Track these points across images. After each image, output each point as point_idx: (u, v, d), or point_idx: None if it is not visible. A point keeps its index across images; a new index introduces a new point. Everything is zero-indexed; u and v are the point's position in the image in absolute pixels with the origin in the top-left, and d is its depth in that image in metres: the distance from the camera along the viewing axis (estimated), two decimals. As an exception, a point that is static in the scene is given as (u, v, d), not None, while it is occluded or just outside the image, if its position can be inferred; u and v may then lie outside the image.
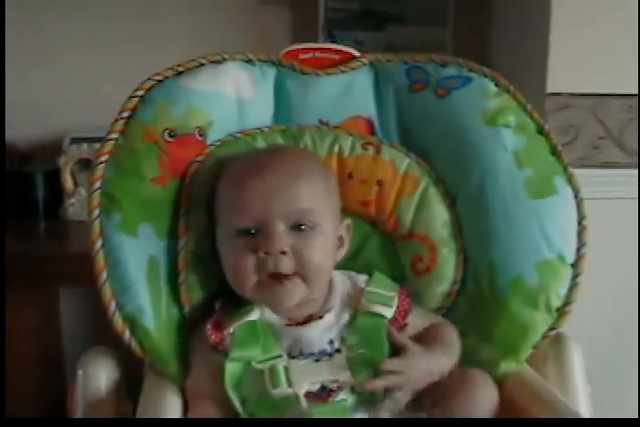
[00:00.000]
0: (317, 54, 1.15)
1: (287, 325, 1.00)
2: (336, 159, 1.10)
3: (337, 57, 1.15)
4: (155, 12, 2.00)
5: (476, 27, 1.98)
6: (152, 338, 1.00)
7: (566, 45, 1.52)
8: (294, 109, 1.14)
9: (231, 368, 0.96)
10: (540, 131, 1.12)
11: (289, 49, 1.15)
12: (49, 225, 1.90)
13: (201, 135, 1.07)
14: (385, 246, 1.13)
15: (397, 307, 1.03)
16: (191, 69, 1.10)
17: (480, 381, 0.97)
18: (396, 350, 0.98)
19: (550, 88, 1.54)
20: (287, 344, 0.98)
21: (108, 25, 1.98)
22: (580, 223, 1.08)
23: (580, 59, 1.53)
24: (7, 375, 1.72)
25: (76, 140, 1.85)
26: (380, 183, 1.10)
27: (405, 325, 1.02)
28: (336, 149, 1.10)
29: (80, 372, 1.03)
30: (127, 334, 1.00)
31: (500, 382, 1.00)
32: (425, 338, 1.03)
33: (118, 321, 1.00)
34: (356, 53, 1.16)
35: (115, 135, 1.05)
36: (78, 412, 1.02)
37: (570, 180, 1.09)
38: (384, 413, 0.95)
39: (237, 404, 0.95)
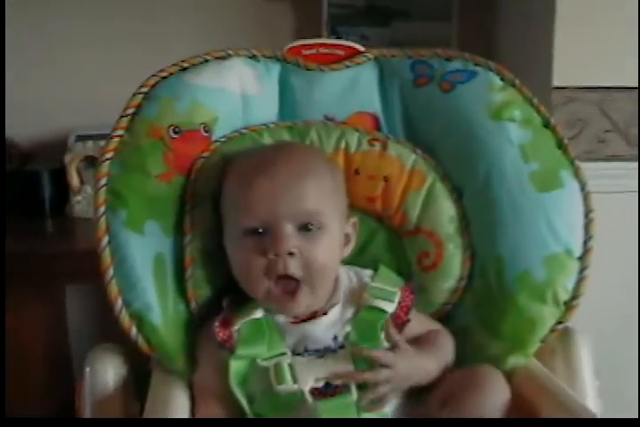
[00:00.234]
0: (321, 50, 1.15)
1: (292, 322, 1.00)
2: (343, 155, 1.10)
3: (341, 52, 1.15)
4: (158, 9, 2.00)
5: (481, 22, 1.98)
6: (159, 334, 1.01)
7: (571, 39, 1.52)
8: (299, 105, 1.14)
9: (236, 365, 0.96)
10: (546, 124, 1.11)
11: (293, 45, 1.15)
12: (55, 223, 1.90)
13: (206, 131, 1.07)
14: (391, 242, 1.13)
15: (399, 302, 1.02)
16: (196, 65, 1.10)
17: (491, 377, 0.97)
18: (390, 348, 0.98)
19: (556, 82, 1.54)
20: (292, 341, 0.99)
21: (111, 22, 1.99)
22: (586, 216, 1.07)
23: (585, 52, 1.52)
24: (14, 373, 1.73)
25: (82, 138, 1.85)
26: (386, 179, 1.10)
27: (408, 320, 1.02)
28: (342, 144, 1.10)
29: (87, 369, 1.03)
30: (134, 330, 1.01)
31: (509, 377, 1.00)
32: (418, 341, 1.02)
33: (125, 318, 1.00)
34: (361, 48, 1.16)
35: (120, 132, 1.05)
36: (86, 409, 1.02)
37: (576, 173, 1.09)
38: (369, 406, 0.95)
39: (243, 401, 0.96)
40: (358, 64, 1.15)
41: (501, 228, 1.07)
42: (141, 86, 1.07)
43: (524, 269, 1.05)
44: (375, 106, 1.14)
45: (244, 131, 1.10)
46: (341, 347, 0.98)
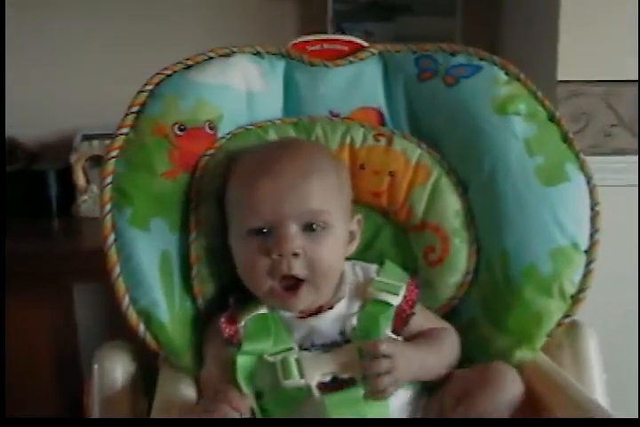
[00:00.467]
0: (325, 46, 1.15)
1: (298, 317, 1.00)
2: (348, 150, 1.10)
3: (345, 48, 1.15)
4: (162, 8, 2.00)
5: (486, 16, 1.97)
6: (167, 331, 1.01)
7: (576, 33, 1.51)
8: (304, 101, 1.14)
9: (243, 361, 0.97)
10: (551, 118, 1.11)
11: (297, 41, 1.15)
12: (62, 222, 1.91)
13: (211, 129, 1.07)
14: (397, 237, 1.13)
15: (405, 296, 1.02)
16: (200, 63, 1.10)
17: (505, 373, 0.96)
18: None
19: (561, 75, 1.53)
20: (299, 336, 0.99)
21: (115, 21, 1.99)
22: (592, 210, 1.07)
23: (590, 46, 1.51)
24: (23, 372, 1.73)
25: (87, 138, 1.86)
26: (391, 174, 1.10)
27: (412, 314, 1.02)
28: (348, 140, 1.10)
29: (96, 366, 1.04)
30: (142, 327, 1.01)
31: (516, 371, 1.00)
32: (421, 337, 1.02)
33: (132, 315, 1.01)
34: (365, 44, 1.16)
35: (125, 130, 1.05)
36: (95, 406, 1.03)
37: (582, 166, 1.08)
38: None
39: (250, 396, 0.95)
40: (362, 59, 1.14)
41: (507, 222, 1.06)
42: (146, 84, 1.07)
43: (530, 262, 1.05)
44: (380, 101, 1.14)
45: (249, 127, 1.10)
46: (348, 341, 0.98)
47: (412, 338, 1.02)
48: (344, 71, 1.13)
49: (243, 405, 0.89)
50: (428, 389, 1.01)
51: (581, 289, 1.05)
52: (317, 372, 0.95)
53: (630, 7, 1.51)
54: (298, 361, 0.95)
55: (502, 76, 1.11)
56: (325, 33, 1.92)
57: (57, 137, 1.99)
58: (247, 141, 1.08)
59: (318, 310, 1.00)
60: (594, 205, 1.07)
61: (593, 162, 1.10)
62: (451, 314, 1.10)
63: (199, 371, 1.01)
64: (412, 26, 1.95)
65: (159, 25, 2.00)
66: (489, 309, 1.08)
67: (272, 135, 1.10)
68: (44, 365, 1.80)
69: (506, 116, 1.08)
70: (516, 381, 0.96)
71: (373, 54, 1.15)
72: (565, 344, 1.07)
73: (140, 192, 1.02)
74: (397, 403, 0.97)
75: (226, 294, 1.04)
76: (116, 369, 1.04)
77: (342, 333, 0.98)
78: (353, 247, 1.05)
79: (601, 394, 1.03)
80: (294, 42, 1.15)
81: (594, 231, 1.06)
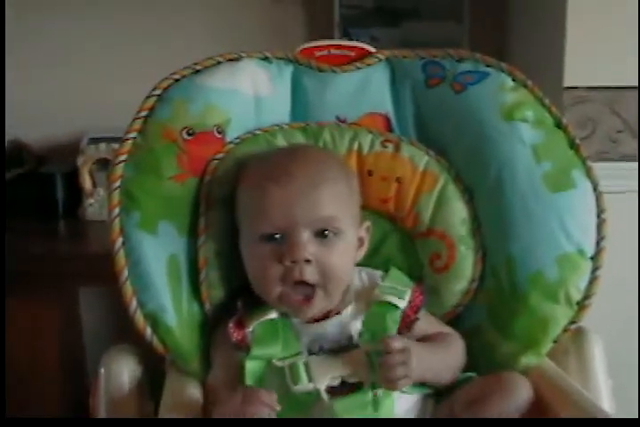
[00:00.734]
0: (333, 51, 1.16)
1: (306, 322, 1.01)
2: (355, 157, 1.10)
3: (352, 53, 1.16)
4: (170, 12, 2.01)
5: (492, 22, 1.98)
6: (174, 335, 1.01)
7: (582, 39, 1.52)
8: (311, 106, 1.14)
9: (252, 366, 0.97)
10: (558, 125, 1.11)
11: (305, 46, 1.16)
12: (68, 225, 1.92)
13: (219, 133, 1.07)
14: (404, 244, 1.13)
15: (410, 302, 1.03)
16: (208, 68, 1.10)
17: (517, 382, 0.96)
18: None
19: (567, 82, 1.53)
20: (307, 341, 0.99)
21: (124, 25, 2.00)
22: (599, 216, 1.07)
23: (596, 52, 1.52)
24: (29, 374, 1.74)
25: (94, 141, 1.87)
26: (399, 180, 1.10)
27: (417, 319, 1.02)
28: (355, 146, 1.10)
29: (102, 369, 1.04)
30: (149, 331, 1.01)
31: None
32: (426, 341, 1.02)
33: (140, 319, 1.01)
34: (372, 49, 1.16)
35: (133, 134, 1.05)
36: (101, 409, 1.03)
37: (588, 173, 1.08)
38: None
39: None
40: (370, 65, 1.15)
41: (513, 228, 1.07)
42: (154, 89, 1.08)
43: (536, 269, 1.05)
44: (387, 107, 1.15)
45: (257, 132, 1.10)
46: (356, 346, 0.98)
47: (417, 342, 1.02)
48: (351, 77, 1.14)
49: (274, 401, 0.89)
50: (434, 394, 1.01)
51: (587, 296, 1.05)
52: (326, 376, 0.95)
53: (636, 14, 1.51)
54: (306, 366, 0.96)
55: (509, 82, 1.12)
56: (332, 38, 1.92)
57: (64, 140, 1.99)
58: (256, 146, 1.08)
59: (326, 315, 1.00)
60: (600, 211, 1.07)
61: (600, 168, 1.10)
62: (456, 320, 1.10)
63: (206, 375, 1.02)
64: (418, 31, 1.96)
65: (165, 29, 2.01)
66: (495, 315, 1.08)
67: (280, 140, 1.10)
68: (48, 367, 1.81)
69: (513, 123, 1.09)
70: (526, 387, 0.96)
71: (381, 60, 1.15)
72: (571, 350, 1.07)
73: (148, 196, 1.03)
74: (404, 407, 0.97)
75: (234, 298, 1.04)
76: (123, 373, 1.04)
77: (350, 337, 0.99)
78: (361, 253, 1.06)
79: (606, 400, 1.03)
80: (302, 47, 1.15)
81: (600, 238, 1.06)
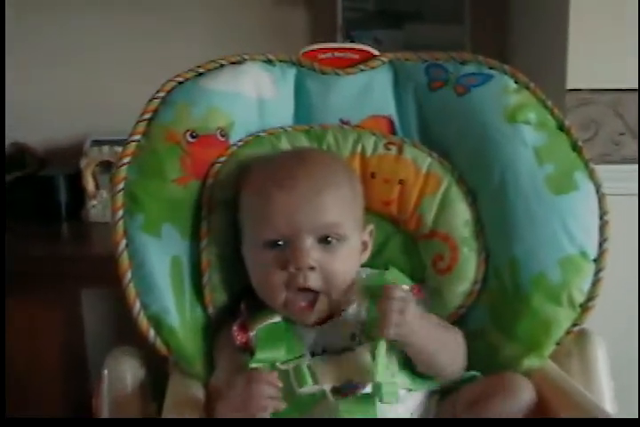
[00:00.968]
0: (336, 54, 1.16)
1: (309, 325, 1.01)
2: (359, 159, 1.10)
3: (356, 56, 1.16)
4: (174, 15, 2.01)
5: (494, 24, 1.98)
6: (177, 337, 1.01)
7: (585, 41, 1.52)
8: (314, 109, 1.14)
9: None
10: (561, 127, 1.11)
11: (308, 49, 1.16)
12: (71, 227, 1.92)
13: (223, 136, 1.07)
14: (406, 245, 1.13)
15: None
16: (211, 70, 1.10)
17: (519, 383, 0.97)
18: None
19: (570, 84, 1.53)
20: (310, 343, 0.99)
21: (126, 27, 2.00)
22: (601, 218, 1.07)
23: (599, 54, 1.52)
24: (31, 376, 1.74)
25: (97, 143, 1.87)
26: (402, 183, 1.10)
27: None
28: (359, 148, 1.10)
29: (105, 371, 1.04)
30: (152, 333, 1.02)
31: (525, 379, 1.00)
32: None
33: (143, 321, 1.01)
34: (375, 52, 1.16)
35: (136, 137, 1.06)
36: (104, 411, 1.03)
37: (591, 175, 1.09)
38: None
39: None
40: (373, 68, 1.15)
41: (516, 230, 1.07)
42: (158, 91, 1.08)
43: (539, 271, 1.05)
44: (390, 110, 1.15)
45: (261, 134, 1.10)
46: (360, 344, 0.98)
47: None
48: (355, 79, 1.14)
49: (276, 379, 0.90)
50: (438, 394, 1.01)
51: (590, 298, 1.05)
52: (331, 377, 0.95)
53: (638, 16, 1.51)
54: (310, 368, 0.96)
55: (512, 84, 1.12)
56: (334, 41, 1.93)
57: (66, 142, 2.00)
58: (260, 149, 1.09)
59: (329, 317, 1.01)
60: (603, 213, 1.08)
61: (602, 170, 1.10)
62: (459, 322, 1.10)
63: (209, 377, 1.02)
64: (420, 33, 1.96)
65: (167, 32, 2.02)
66: (497, 317, 1.08)
67: (284, 143, 1.10)
68: (50, 369, 1.81)
69: (516, 125, 1.09)
70: (529, 389, 0.96)
71: (384, 63, 1.15)
72: (574, 353, 1.07)
73: (152, 198, 1.03)
74: (409, 404, 0.97)
75: (236, 300, 1.05)
76: (126, 375, 1.04)
77: (352, 337, 0.99)
78: (365, 257, 1.06)
79: (609, 402, 1.03)
80: (305, 50, 1.15)
81: (603, 240, 1.07)
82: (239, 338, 0.99)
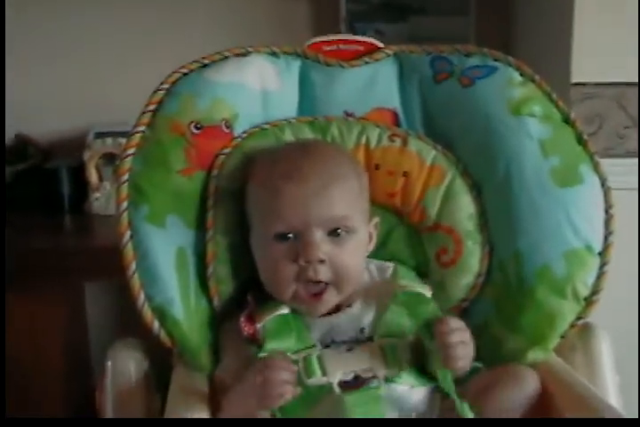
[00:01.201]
0: (341, 46, 1.16)
1: (318, 316, 1.01)
2: (363, 151, 1.11)
3: (361, 48, 1.16)
4: (176, 8, 2.01)
5: (499, 17, 1.98)
6: (182, 329, 1.01)
7: (590, 35, 1.51)
8: (319, 101, 1.14)
9: None
10: (566, 120, 1.11)
11: (313, 41, 1.15)
12: (74, 220, 1.92)
13: (227, 127, 1.07)
14: (410, 238, 1.13)
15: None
16: (216, 62, 1.10)
17: (524, 373, 0.97)
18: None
19: (574, 78, 1.53)
20: (319, 334, 0.99)
21: (129, 19, 2.00)
22: (607, 212, 1.07)
23: (603, 48, 1.52)
24: (33, 370, 1.74)
25: (100, 135, 1.86)
26: (406, 175, 1.10)
27: None
28: (363, 140, 1.10)
29: (109, 363, 1.04)
30: (156, 325, 1.01)
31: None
32: None
33: (147, 312, 1.01)
34: (380, 45, 1.16)
35: (141, 128, 1.05)
36: (108, 403, 1.03)
37: (596, 168, 1.08)
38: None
39: None
40: (378, 60, 1.15)
41: (520, 223, 1.07)
42: (162, 83, 1.08)
43: (543, 263, 1.05)
44: (395, 102, 1.14)
45: (265, 126, 1.10)
46: (370, 339, 0.98)
47: None
48: (359, 72, 1.14)
49: (291, 364, 0.91)
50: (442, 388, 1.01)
51: (595, 291, 1.05)
52: (339, 370, 0.95)
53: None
54: (320, 359, 0.96)
55: (517, 77, 1.12)
56: (338, 33, 1.92)
57: (70, 134, 1.99)
58: (264, 141, 1.08)
59: (337, 309, 1.01)
60: (608, 207, 1.07)
61: (606, 164, 1.10)
62: (463, 315, 1.10)
63: (215, 369, 1.02)
64: (424, 26, 1.96)
65: (170, 23, 2.01)
66: (501, 310, 1.08)
67: (288, 134, 1.10)
68: (53, 361, 1.81)
69: (521, 118, 1.09)
70: (534, 378, 0.96)
71: (389, 55, 1.15)
72: (578, 346, 1.07)
73: (157, 189, 1.03)
74: (414, 400, 0.97)
75: (242, 291, 1.05)
76: (130, 367, 1.04)
77: (361, 330, 0.99)
78: (370, 249, 1.06)
79: (613, 396, 1.03)
80: (310, 42, 1.15)
81: (608, 234, 1.06)
82: (246, 329, 0.99)
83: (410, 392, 0.96)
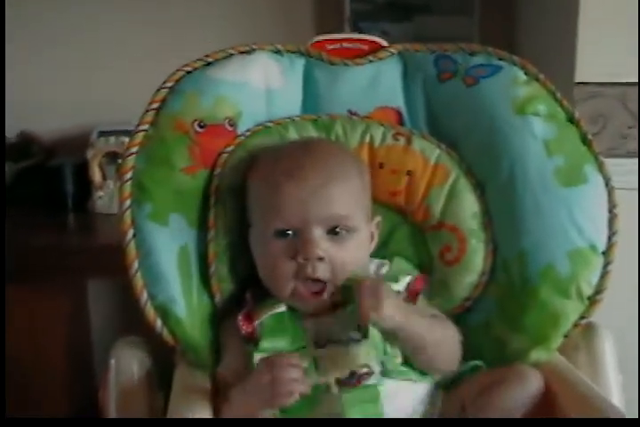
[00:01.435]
0: (345, 45, 1.15)
1: (313, 314, 1.01)
2: (367, 149, 1.10)
3: (365, 47, 1.15)
4: (179, 9, 2.01)
5: (503, 16, 1.98)
6: (184, 327, 1.01)
7: (594, 34, 1.51)
8: (322, 100, 1.14)
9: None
10: (571, 119, 1.11)
11: (316, 39, 1.15)
12: (77, 218, 1.92)
13: (231, 125, 1.07)
14: (414, 236, 1.13)
15: (408, 286, 1.03)
16: (220, 60, 1.10)
17: (527, 372, 0.97)
18: None
19: (578, 77, 1.53)
20: (314, 333, 0.99)
21: (133, 17, 2.00)
22: (610, 211, 1.07)
23: (608, 47, 1.51)
24: (36, 368, 1.74)
25: (104, 134, 1.87)
26: (409, 174, 1.10)
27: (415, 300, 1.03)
28: (367, 138, 1.10)
29: (112, 361, 1.04)
30: (159, 323, 1.01)
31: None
32: None
33: (150, 311, 1.01)
34: (384, 43, 1.16)
35: (145, 126, 1.05)
36: (111, 400, 1.03)
37: (600, 168, 1.08)
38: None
39: None
40: (382, 59, 1.14)
41: (524, 223, 1.06)
42: (166, 81, 1.08)
43: (547, 263, 1.05)
44: (398, 101, 1.14)
45: (268, 124, 1.10)
46: (365, 336, 0.97)
47: None
48: (363, 70, 1.13)
49: (297, 360, 0.91)
50: (444, 385, 1.01)
51: (598, 291, 1.05)
52: (335, 369, 0.95)
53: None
54: (315, 359, 0.96)
55: (522, 76, 1.11)
56: (342, 32, 1.92)
57: (74, 133, 2.00)
58: (267, 139, 1.08)
59: (334, 308, 1.00)
60: (612, 207, 1.07)
61: (611, 164, 1.10)
62: (466, 315, 1.10)
63: (216, 366, 1.02)
64: (429, 26, 1.96)
65: (173, 22, 2.01)
66: (505, 309, 1.07)
67: (292, 132, 1.10)
68: (54, 360, 1.82)
69: (525, 117, 1.08)
70: (538, 378, 0.96)
71: (393, 54, 1.15)
72: (581, 346, 1.07)
73: (160, 187, 1.03)
74: (414, 398, 0.97)
75: (243, 289, 1.05)
76: (133, 364, 1.04)
77: (359, 328, 0.98)
78: (371, 248, 1.06)
79: (616, 395, 1.03)
80: (314, 40, 1.15)
81: (612, 233, 1.06)
82: (244, 328, 0.99)
83: (409, 388, 0.97)
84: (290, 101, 1.13)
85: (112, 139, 1.85)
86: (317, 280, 0.98)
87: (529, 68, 1.11)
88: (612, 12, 1.52)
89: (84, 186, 1.90)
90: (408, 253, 1.13)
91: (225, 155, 1.07)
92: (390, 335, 0.95)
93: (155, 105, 1.06)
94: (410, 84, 1.15)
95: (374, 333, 0.94)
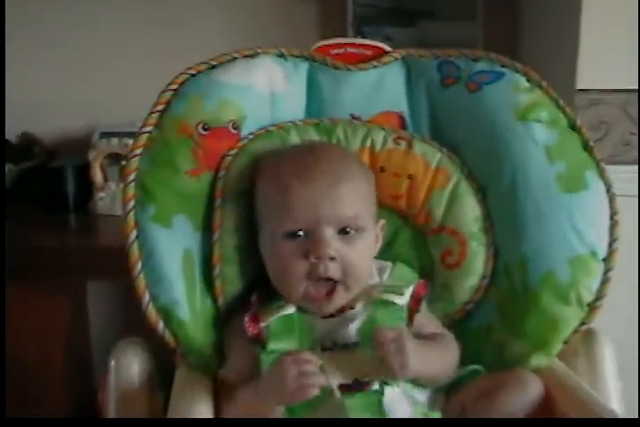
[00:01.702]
0: (349, 49, 1.16)
1: (321, 317, 1.01)
2: (368, 153, 1.11)
3: (368, 52, 1.16)
4: (183, 10, 2.01)
5: (506, 22, 1.98)
6: (186, 329, 1.01)
7: (596, 41, 1.51)
8: (326, 104, 1.14)
9: (268, 361, 0.96)
10: (572, 126, 1.11)
11: (320, 44, 1.16)
12: (79, 219, 1.92)
13: (235, 128, 1.08)
14: (415, 240, 1.14)
15: (412, 294, 1.03)
16: (224, 63, 1.10)
17: (527, 377, 0.98)
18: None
19: (580, 84, 1.53)
20: (321, 336, 0.99)
21: (133, 17, 2.00)
22: (612, 218, 1.07)
23: (609, 54, 1.52)
24: (36, 369, 1.74)
25: (106, 135, 1.87)
26: (411, 177, 1.10)
27: (418, 311, 1.03)
28: (368, 142, 1.11)
29: (112, 362, 1.04)
30: (161, 325, 1.01)
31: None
32: (423, 339, 1.01)
33: (152, 312, 1.01)
34: (388, 48, 1.16)
35: (149, 129, 1.05)
36: (111, 401, 1.03)
37: (602, 175, 1.09)
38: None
39: None
40: (385, 64, 1.15)
41: (526, 228, 1.07)
42: (170, 84, 1.08)
43: (547, 269, 1.05)
44: (402, 106, 1.15)
45: (270, 128, 1.11)
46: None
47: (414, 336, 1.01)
48: (367, 75, 1.14)
49: (312, 356, 0.91)
50: (444, 391, 1.01)
51: (598, 297, 1.05)
52: (340, 374, 0.95)
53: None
54: (320, 363, 0.96)
55: (524, 82, 1.12)
56: (345, 37, 1.93)
57: (75, 134, 2.00)
58: (269, 142, 1.09)
59: (341, 311, 1.01)
60: (613, 213, 1.08)
61: (612, 171, 1.10)
62: (466, 319, 1.11)
63: (219, 369, 1.01)
64: (432, 31, 1.96)
65: (177, 25, 2.01)
66: (505, 314, 1.08)
67: (294, 136, 1.10)
68: (54, 360, 1.82)
69: (527, 123, 1.09)
70: (537, 384, 0.97)
71: (396, 59, 1.16)
72: (581, 352, 1.07)
73: (163, 189, 1.03)
74: (416, 402, 0.97)
75: (248, 292, 1.05)
76: (133, 365, 1.04)
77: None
78: (376, 250, 1.06)
79: (616, 402, 1.03)
80: (318, 45, 1.15)
81: (612, 240, 1.07)
82: (250, 329, 0.99)
83: (410, 395, 0.96)
84: (293, 105, 1.14)
85: (114, 140, 1.84)
86: (328, 279, 0.98)
87: (531, 75, 1.12)
88: (613, 20, 1.52)
89: (86, 187, 1.89)
90: (410, 256, 1.13)
91: (229, 158, 1.07)
92: None
93: (159, 107, 1.06)
94: (413, 89, 1.15)
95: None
